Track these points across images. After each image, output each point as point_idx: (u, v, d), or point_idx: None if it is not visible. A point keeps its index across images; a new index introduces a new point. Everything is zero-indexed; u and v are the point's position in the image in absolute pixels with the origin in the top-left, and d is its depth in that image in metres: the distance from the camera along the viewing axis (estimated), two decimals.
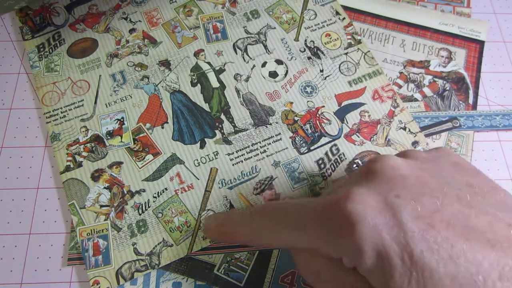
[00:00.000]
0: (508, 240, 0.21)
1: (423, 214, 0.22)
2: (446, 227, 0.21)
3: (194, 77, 0.41)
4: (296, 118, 0.39)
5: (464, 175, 0.25)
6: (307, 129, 0.39)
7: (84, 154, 0.38)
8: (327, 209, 0.24)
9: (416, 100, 0.41)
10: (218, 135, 0.38)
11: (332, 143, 0.38)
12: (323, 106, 0.40)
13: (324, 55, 0.42)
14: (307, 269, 0.27)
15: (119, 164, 0.37)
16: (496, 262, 0.20)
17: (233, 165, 0.37)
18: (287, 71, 0.41)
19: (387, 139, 0.39)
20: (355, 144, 0.38)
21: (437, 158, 0.26)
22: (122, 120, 0.39)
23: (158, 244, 0.35)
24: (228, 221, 0.32)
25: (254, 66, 0.42)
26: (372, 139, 0.39)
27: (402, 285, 0.21)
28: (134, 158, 0.37)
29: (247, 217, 0.29)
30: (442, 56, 0.43)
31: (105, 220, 0.35)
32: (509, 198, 0.24)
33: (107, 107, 0.39)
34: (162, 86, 0.40)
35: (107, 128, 0.39)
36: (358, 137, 0.39)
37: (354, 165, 0.38)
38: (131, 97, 0.40)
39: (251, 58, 0.42)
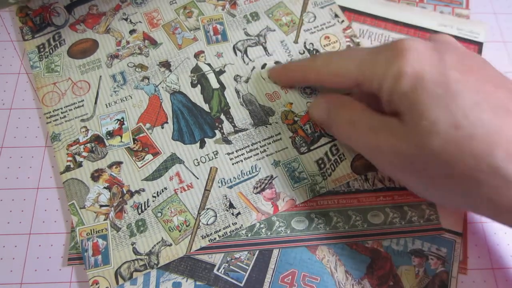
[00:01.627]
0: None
1: (465, 64, 0.27)
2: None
3: (194, 78, 0.41)
4: (296, 119, 0.39)
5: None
6: (306, 129, 0.39)
7: (84, 154, 0.38)
8: (382, 46, 0.30)
9: None
10: (218, 135, 0.39)
11: (332, 143, 0.38)
12: None
13: None
14: (343, 120, 0.33)
15: (118, 164, 0.37)
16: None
17: (232, 164, 0.37)
18: None
19: None
20: None
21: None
22: (122, 120, 0.39)
23: (157, 243, 0.34)
24: (292, 65, 0.39)
25: (254, 67, 0.42)
26: None
27: (431, 103, 0.26)
28: (134, 158, 0.37)
29: (311, 61, 0.37)
30: None
31: (104, 220, 0.35)
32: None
33: (107, 107, 0.40)
34: (162, 87, 0.40)
35: (107, 128, 0.39)
36: None
37: None
38: (131, 98, 0.40)
39: (251, 60, 0.42)
